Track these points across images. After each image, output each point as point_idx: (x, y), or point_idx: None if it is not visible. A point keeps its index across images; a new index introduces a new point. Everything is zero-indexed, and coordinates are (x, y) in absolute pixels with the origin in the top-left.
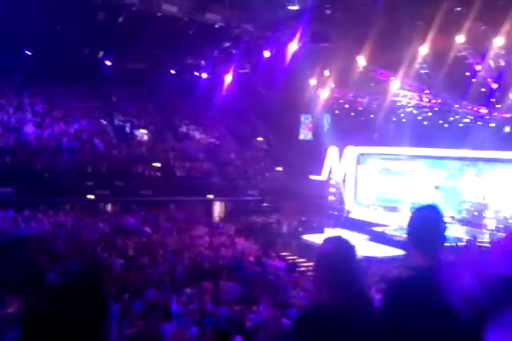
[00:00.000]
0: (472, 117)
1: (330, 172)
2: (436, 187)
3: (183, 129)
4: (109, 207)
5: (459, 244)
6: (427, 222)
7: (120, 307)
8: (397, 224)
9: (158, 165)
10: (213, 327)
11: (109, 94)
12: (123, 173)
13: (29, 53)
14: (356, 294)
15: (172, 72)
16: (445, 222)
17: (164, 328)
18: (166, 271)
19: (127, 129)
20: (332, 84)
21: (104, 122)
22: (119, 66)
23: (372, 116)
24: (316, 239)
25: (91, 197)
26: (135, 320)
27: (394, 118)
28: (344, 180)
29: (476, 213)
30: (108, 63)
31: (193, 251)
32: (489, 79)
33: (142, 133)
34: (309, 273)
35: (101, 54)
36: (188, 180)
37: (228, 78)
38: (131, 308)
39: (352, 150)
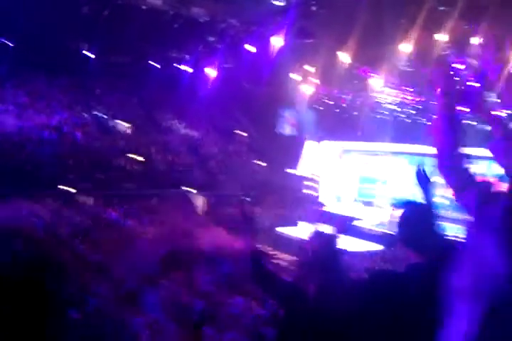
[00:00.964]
0: None
1: (311, 166)
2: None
3: (167, 123)
4: (90, 200)
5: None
6: (418, 219)
7: (98, 300)
8: (377, 219)
9: (140, 158)
10: (188, 320)
11: (92, 87)
12: (105, 166)
13: (12, 45)
14: (338, 287)
15: (156, 65)
16: (437, 219)
17: (137, 321)
18: (143, 263)
19: (110, 122)
20: (316, 81)
21: (87, 115)
22: (103, 59)
23: (355, 113)
24: (289, 231)
25: (72, 190)
26: (110, 312)
27: (377, 116)
28: (325, 175)
29: (454, 209)
30: (92, 56)
31: (172, 243)
32: (472, 78)
33: (125, 127)
34: (284, 265)
35: (85, 47)
36: (170, 173)
37: (213, 72)
38: (106, 301)
39: (333, 146)
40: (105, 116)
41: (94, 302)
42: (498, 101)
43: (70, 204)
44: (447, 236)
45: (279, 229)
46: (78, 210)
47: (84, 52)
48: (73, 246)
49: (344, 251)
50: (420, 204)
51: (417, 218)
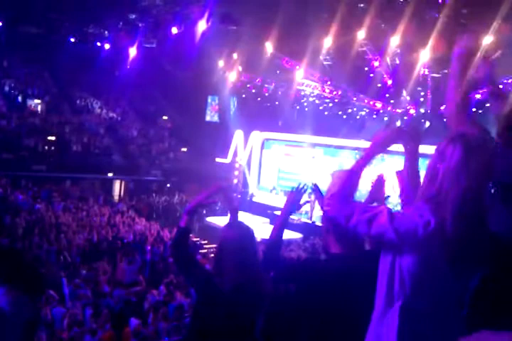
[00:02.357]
0: (368, 110)
1: (235, 155)
2: (332, 174)
3: (82, 102)
4: None
5: None
6: None
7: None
8: None
9: (52, 138)
10: (109, 309)
11: None
12: (12, 146)
13: None
14: (252, 276)
15: (71, 39)
16: None
17: (56, 311)
18: (59, 251)
19: (19, 98)
20: (240, 68)
21: None
22: (12, 28)
23: (277, 102)
24: (218, 221)
25: None
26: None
27: (297, 107)
28: (248, 164)
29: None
30: None
31: (89, 230)
32: (385, 76)
33: (35, 103)
34: (211, 255)
35: None
36: (85, 155)
37: (133, 51)
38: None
39: (257, 135)
40: (14, 91)
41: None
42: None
43: None
44: None
45: (209, 219)
46: None
47: None
48: None
49: (262, 241)
50: None
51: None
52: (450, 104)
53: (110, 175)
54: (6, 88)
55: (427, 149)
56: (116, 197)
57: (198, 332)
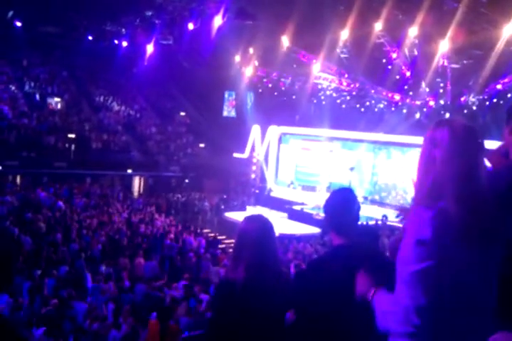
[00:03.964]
0: (386, 103)
1: (252, 150)
2: (351, 169)
3: (100, 99)
4: (18, 180)
5: (370, 222)
6: (342, 204)
7: (32, 284)
8: (315, 203)
9: (72, 136)
10: (131, 304)
11: (19, 58)
12: (33, 144)
13: None
14: (270, 273)
15: (89, 38)
16: (359, 203)
17: (78, 306)
18: (81, 247)
19: (38, 97)
20: (256, 63)
21: (14, 88)
22: (31, 28)
23: (294, 97)
24: (237, 216)
25: None
26: (48, 298)
27: (314, 100)
28: (266, 159)
29: (385, 194)
30: (18, 24)
31: (110, 227)
32: (404, 67)
33: (55, 102)
34: (230, 250)
35: (10, 14)
36: (105, 153)
37: (150, 48)
38: (43, 286)
39: (274, 130)
40: (34, 90)
41: (27, 286)
42: None
43: None
44: (370, 219)
45: (227, 214)
46: (4, 189)
47: (10, 20)
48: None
49: (282, 235)
50: (343, 189)
51: (340, 203)
52: None
53: (129, 171)
54: (26, 87)
55: None
56: (135, 194)
57: (218, 327)
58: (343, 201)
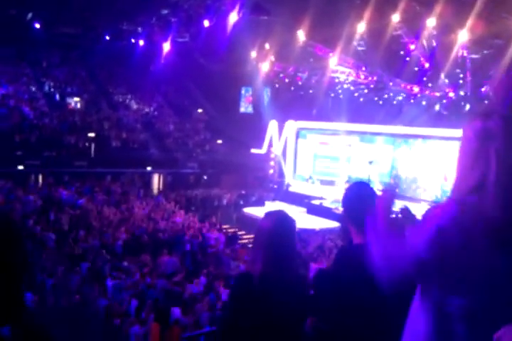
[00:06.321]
0: (405, 95)
1: (270, 145)
2: (370, 162)
3: (119, 98)
4: (39, 179)
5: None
6: (360, 199)
7: (55, 281)
8: (334, 198)
9: (92, 135)
10: (152, 300)
11: (38, 59)
12: (54, 143)
13: None
14: (289, 268)
15: (106, 37)
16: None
17: (100, 302)
18: (102, 244)
19: (58, 97)
20: (272, 58)
21: (34, 88)
22: (50, 29)
23: (311, 91)
24: (256, 211)
25: (20, 167)
26: (72, 294)
27: (332, 94)
28: (284, 154)
29: (406, 186)
30: (37, 26)
31: (131, 224)
32: (422, 59)
33: (75, 101)
34: (250, 246)
35: (30, 15)
36: (124, 150)
37: (166, 46)
38: (66, 282)
39: (292, 125)
40: (53, 90)
41: (51, 282)
42: None
43: (18, 183)
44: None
45: (246, 210)
46: (27, 188)
47: (29, 21)
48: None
49: (302, 230)
50: (361, 183)
51: (358, 197)
52: None
53: (149, 169)
54: (46, 87)
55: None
56: (155, 191)
57: (233, 317)
58: (359, 195)
